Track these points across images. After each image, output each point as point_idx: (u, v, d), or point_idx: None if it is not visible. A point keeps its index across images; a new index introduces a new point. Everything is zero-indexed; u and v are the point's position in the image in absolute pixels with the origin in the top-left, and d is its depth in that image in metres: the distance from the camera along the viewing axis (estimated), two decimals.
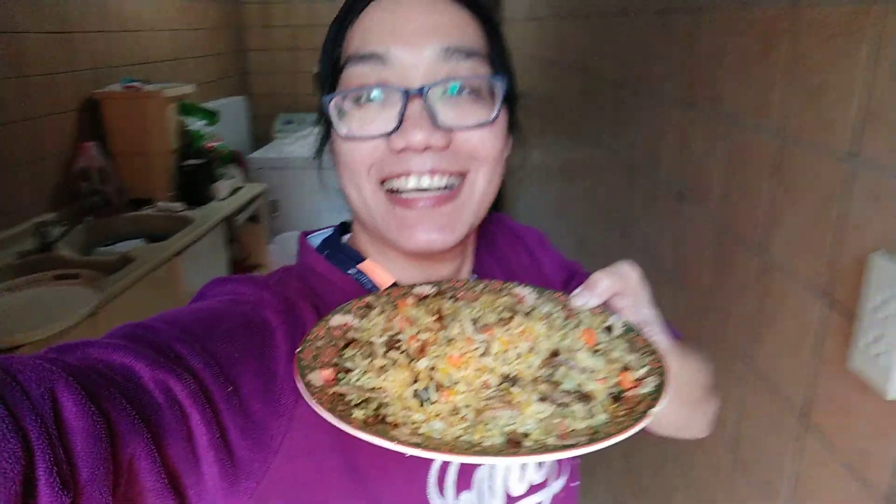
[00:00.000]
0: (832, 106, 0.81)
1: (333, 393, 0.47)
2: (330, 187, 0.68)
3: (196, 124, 3.17)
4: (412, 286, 0.65)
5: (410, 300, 0.60)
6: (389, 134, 0.57)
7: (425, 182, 0.58)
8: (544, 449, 0.42)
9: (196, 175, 3.03)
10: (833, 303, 0.81)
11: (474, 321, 0.55)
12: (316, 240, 0.71)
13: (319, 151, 0.69)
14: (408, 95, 0.56)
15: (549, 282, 0.81)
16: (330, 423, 0.54)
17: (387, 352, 0.52)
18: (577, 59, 2.06)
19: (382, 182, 0.60)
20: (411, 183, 0.58)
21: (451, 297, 0.62)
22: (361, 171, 0.59)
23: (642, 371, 0.52)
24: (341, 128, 0.59)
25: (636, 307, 0.59)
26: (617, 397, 0.49)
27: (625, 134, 1.63)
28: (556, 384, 0.50)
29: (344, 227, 0.74)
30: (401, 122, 0.56)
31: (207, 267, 2.71)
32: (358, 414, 0.45)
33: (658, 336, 0.59)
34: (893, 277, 0.69)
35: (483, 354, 0.51)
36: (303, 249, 0.68)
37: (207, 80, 4.13)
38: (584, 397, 0.48)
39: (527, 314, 0.57)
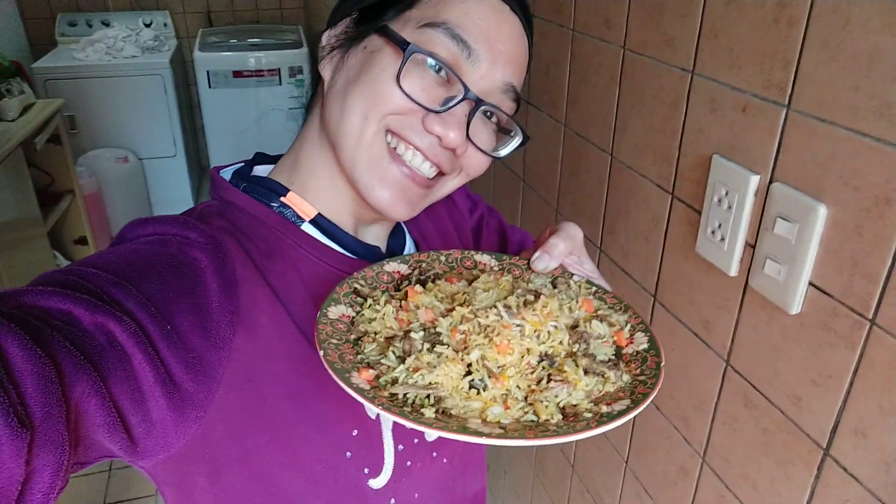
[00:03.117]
0: (673, 24, 0.91)
1: (390, 394, 0.50)
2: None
3: None
4: (382, 264, 0.67)
5: (418, 288, 0.62)
6: (431, 111, 0.61)
7: (423, 166, 0.63)
8: (609, 417, 0.47)
9: None
10: (680, 198, 0.94)
11: (507, 307, 0.58)
12: (227, 174, 0.70)
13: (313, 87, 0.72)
14: (466, 97, 0.61)
15: (461, 214, 0.87)
16: (266, 353, 0.58)
17: (431, 347, 0.54)
18: None
19: (387, 132, 0.62)
20: (409, 156, 0.63)
21: (424, 276, 0.66)
22: (382, 110, 0.61)
23: (628, 328, 0.60)
24: (397, 65, 0.60)
25: (581, 263, 0.68)
26: (618, 355, 0.57)
27: None
28: (593, 356, 0.56)
29: (255, 160, 0.73)
30: (446, 111, 0.61)
31: (7, 202, 2.41)
32: (428, 413, 0.48)
33: (605, 284, 0.68)
34: (730, 175, 0.82)
35: (520, 337, 0.55)
36: (218, 184, 0.67)
37: None
38: (615, 365, 0.55)
39: (537, 292, 0.62)
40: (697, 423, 0.96)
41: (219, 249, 0.59)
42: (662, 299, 1.01)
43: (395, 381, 0.52)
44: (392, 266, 0.68)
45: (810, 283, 0.73)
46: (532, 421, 0.49)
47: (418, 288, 0.62)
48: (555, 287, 0.65)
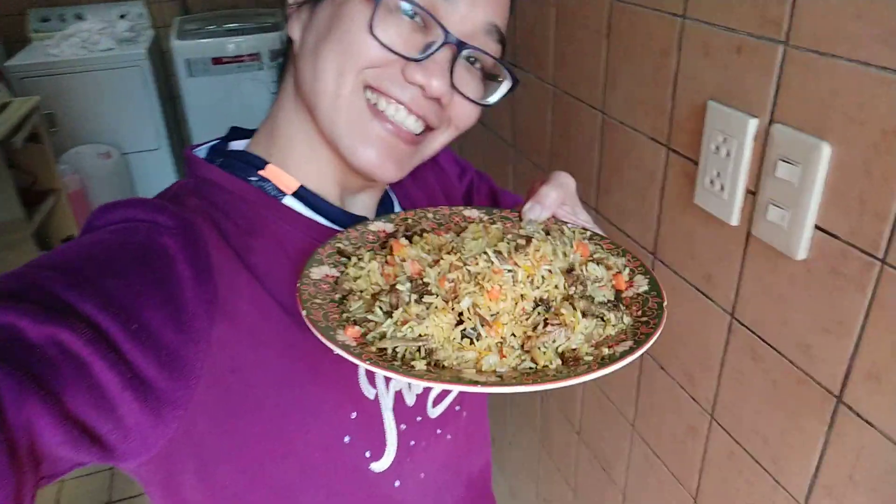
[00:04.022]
0: None
1: (378, 349, 0.47)
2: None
3: None
4: (366, 223, 0.64)
5: (403, 241, 0.59)
6: (410, 60, 0.57)
7: (408, 120, 0.60)
8: (611, 359, 0.45)
9: None
10: (676, 149, 0.91)
11: (497, 252, 0.55)
12: (201, 152, 0.66)
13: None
14: (447, 42, 0.57)
15: (450, 180, 0.84)
16: (249, 341, 0.54)
17: (419, 298, 0.51)
18: None
19: (365, 88, 0.59)
20: (392, 111, 0.59)
21: (410, 232, 0.63)
22: (357, 64, 0.57)
23: (627, 271, 0.57)
24: (368, 14, 0.56)
25: (574, 213, 0.65)
26: (618, 299, 0.54)
27: None
28: (591, 298, 0.53)
29: (231, 135, 0.69)
30: (426, 58, 0.57)
31: None
32: (419, 365, 0.45)
33: (601, 232, 0.65)
34: (727, 121, 0.79)
35: (513, 283, 0.52)
36: (193, 163, 0.63)
37: None
38: (615, 307, 0.52)
39: (528, 237, 0.59)
40: (704, 380, 0.94)
41: (191, 233, 0.55)
42: (662, 256, 0.98)
43: (383, 336, 0.49)
44: (377, 225, 0.64)
45: (816, 227, 0.70)
46: (530, 368, 0.47)
47: (403, 241, 0.59)
48: (548, 235, 0.62)
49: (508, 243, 0.56)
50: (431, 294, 0.51)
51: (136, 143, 3.86)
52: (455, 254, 0.55)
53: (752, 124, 0.76)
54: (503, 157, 1.51)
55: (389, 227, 0.65)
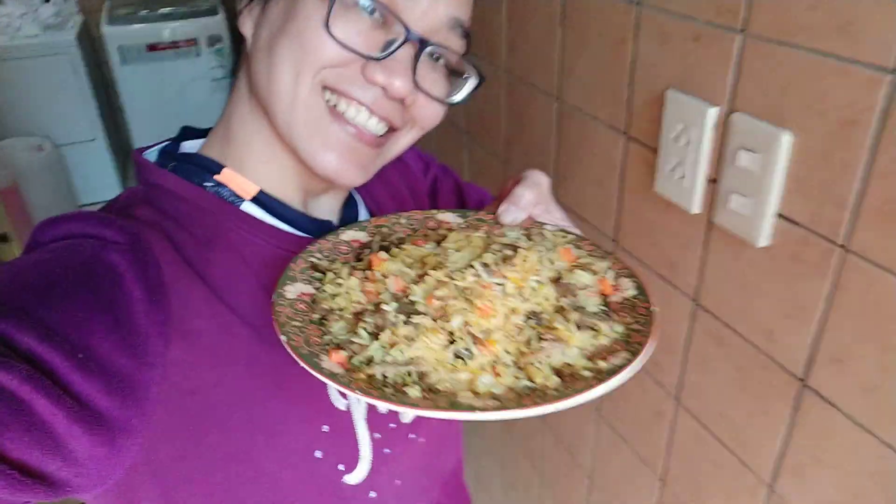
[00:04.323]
0: None
1: (367, 376, 0.45)
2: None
3: None
4: (338, 233, 0.61)
5: (382, 255, 0.56)
6: (370, 59, 0.54)
7: (370, 122, 0.57)
8: (610, 372, 0.43)
9: None
10: (634, 137, 0.90)
11: (485, 265, 0.52)
12: (152, 155, 0.62)
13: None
14: (408, 39, 0.54)
15: (414, 176, 0.81)
16: (208, 361, 0.52)
17: (406, 319, 0.49)
18: None
19: (324, 88, 0.56)
20: (353, 113, 0.56)
21: (387, 242, 0.60)
22: (314, 64, 0.54)
23: (611, 274, 0.56)
24: (324, 10, 0.53)
25: (549, 212, 0.63)
26: (605, 305, 0.53)
27: None
28: (583, 309, 0.51)
29: (182, 136, 0.65)
30: (387, 57, 0.54)
31: None
32: (413, 392, 0.42)
33: (578, 232, 0.63)
34: (686, 110, 0.79)
35: (503, 297, 0.50)
36: (143, 168, 0.60)
37: None
38: (606, 315, 0.51)
39: (514, 245, 0.56)
40: (669, 365, 0.95)
41: (140, 249, 0.52)
42: (624, 243, 0.98)
43: (370, 361, 0.46)
44: (350, 234, 0.61)
45: (778, 215, 0.71)
46: (527, 387, 0.45)
47: (382, 255, 0.56)
48: (530, 239, 0.60)
49: (495, 254, 0.54)
50: (419, 313, 0.49)
51: (71, 134, 3.68)
52: (440, 268, 0.52)
53: (712, 113, 0.75)
54: (457, 144, 1.49)
55: (363, 236, 0.62)
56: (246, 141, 0.61)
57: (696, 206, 0.81)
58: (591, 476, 1.25)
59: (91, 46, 3.92)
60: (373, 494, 0.63)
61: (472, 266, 0.52)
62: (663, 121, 0.83)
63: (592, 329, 0.49)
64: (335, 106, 0.56)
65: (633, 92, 0.89)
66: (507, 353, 0.48)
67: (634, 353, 0.45)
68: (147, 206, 0.56)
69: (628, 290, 0.54)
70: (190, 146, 0.64)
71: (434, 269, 0.53)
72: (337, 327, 0.50)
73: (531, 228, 0.62)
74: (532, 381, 0.45)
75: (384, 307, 0.50)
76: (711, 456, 0.90)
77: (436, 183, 0.86)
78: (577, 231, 0.64)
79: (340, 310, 0.52)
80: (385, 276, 0.53)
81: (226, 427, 0.53)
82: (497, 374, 0.46)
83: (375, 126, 0.58)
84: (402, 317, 0.49)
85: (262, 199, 0.61)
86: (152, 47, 3.66)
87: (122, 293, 0.49)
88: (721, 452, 0.88)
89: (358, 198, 0.74)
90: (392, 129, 0.60)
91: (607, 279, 0.56)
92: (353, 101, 0.56)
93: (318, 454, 0.58)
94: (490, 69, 1.25)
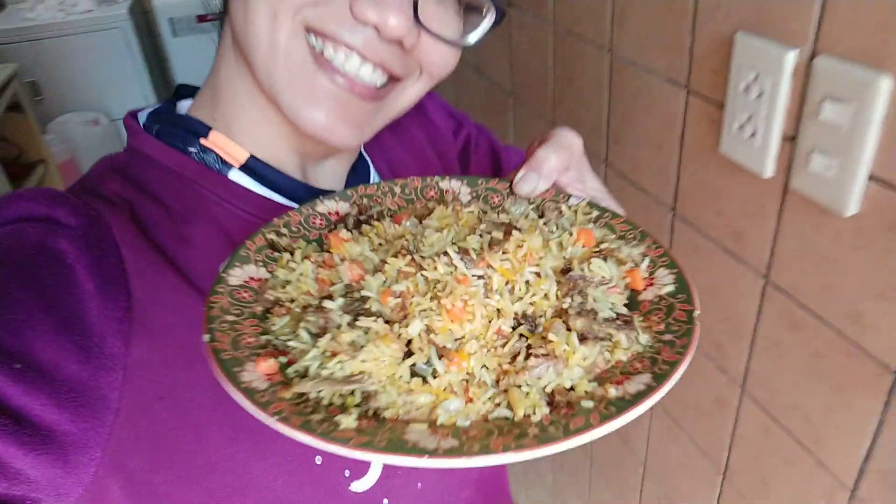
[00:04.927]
0: None
1: (295, 395, 0.34)
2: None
3: None
4: (314, 203, 0.51)
5: (344, 233, 0.46)
6: None
7: (363, 70, 0.48)
8: (619, 407, 0.32)
9: None
10: (697, 90, 0.79)
11: (462, 251, 0.41)
12: (144, 116, 0.55)
13: None
14: None
15: (443, 137, 0.72)
16: (179, 360, 0.44)
17: (354, 319, 0.38)
18: None
19: (307, 31, 0.47)
20: (342, 60, 0.47)
21: (365, 216, 0.50)
22: (292, 1, 0.46)
23: (646, 263, 0.44)
24: None
25: (582, 180, 0.52)
26: (633, 304, 0.42)
27: None
28: (593, 313, 0.39)
29: (179, 94, 0.58)
30: None
31: None
32: (347, 422, 0.32)
33: (617, 209, 0.52)
34: (759, 55, 0.67)
35: (485, 295, 0.39)
36: (129, 131, 0.53)
37: None
38: (627, 322, 0.39)
39: (514, 226, 0.45)
40: (733, 349, 0.84)
41: (96, 232, 0.45)
42: (683, 213, 0.88)
43: (305, 374, 0.37)
44: (328, 205, 0.52)
45: (870, 177, 0.60)
46: (505, 418, 0.34)
47: (345, 233, 0.46)
48: (542, 216, 0.50)
49: (481, 236, 0.43)
50: (371, 314, 0.39)
51: (125, 108, 3.68)
52: (405, 254, 0.41)
53: (791, 57, 0.64)
54: (501, 108, 1.39)
55: (344, 208, 0.52)
56: (233, 99, 0.53)
57: (769, 169, 0.70)
58: (646, 464, 1.16)
59: (143, 20, 3.94)
60: (386, 502, 0.56)
61: (446, 252, 0.41)
62: (731, 70, 0.71)
63: (607, 339, 0.38)
64: (321, 52, 0.48)
65: (696, 38, 0.77)
66: (486, 368, 0.37)
67: (660, 378, 0.34)
68: (120, 177, 0.49)
69: (666, 285, 0.42)
70: (184, 106, 0.57)
71: (400, 254, 0.42)
72: (280, 324, 0.40)
73: (549, 201, 0.51)
74: (513, 410, 0.34)
75: (327, 303, 0.40)
76: (782, 452, 0.80)
77: (468, 145, 0.76)
78: (614, 205, 0.53)
79: (291, 301, 0.42)
80: (343, 261, 0.43)
81: (204, 433, 0.46)
82: (470, 399, 0.35)
83: (370, 75, 0.49)
84: (348, 317, 0.39)
85: (252, 167, 0.53)
86: (202, 18, 3.64)
87: (72, 287, 0.42)
88: (793, 449, 0.78)
89: (369, 161, 0.65)
90: (394, 79, 0.51)
91: (639, 270, 0.44)
92: (341, 44, 0.47)
93: (318, 460, 0.50)
94: (534, 22, 1.14)
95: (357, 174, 0.62)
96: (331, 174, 0.59)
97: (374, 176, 0.64)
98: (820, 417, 0.73)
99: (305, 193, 0.54)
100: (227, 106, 0.53)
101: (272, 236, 0.46)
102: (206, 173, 0.51)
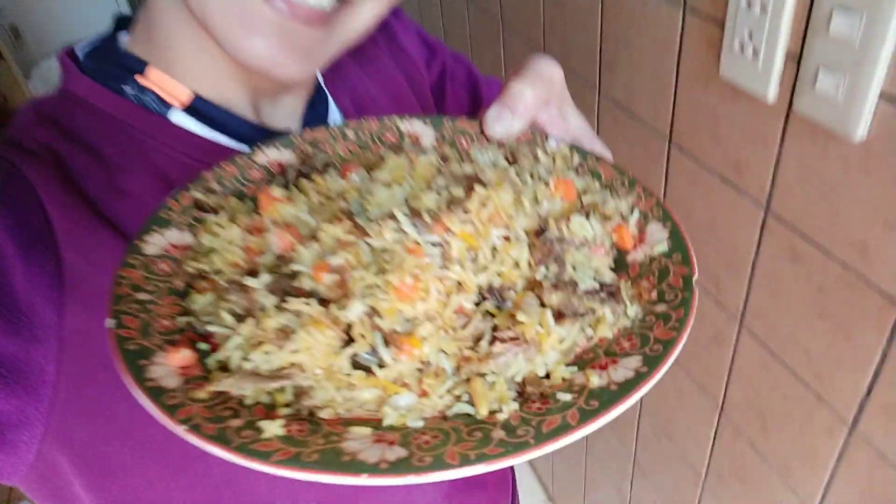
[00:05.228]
0: None
1: (212, 394, 0.29)
2: None
3: None
4: (253, 152, 0.44)
5: (275, 191, 0.38)
6: None
7: None
8: (604, 401, 0.27)
9: None
10: (695, 7, 0.73)
11: (413, 212, 0.34)
12: (82, 51, 0.50)
13: None
14: None
15: (416, 67, 0.66)
16: None
17: (282, 300, 0.32)
18: None
19: None
20: None
21: (307, 168, 0.43)
22: None
23: (635, 217, 0.38)
24: None
25: (564, 118, 0.46)
26: (620, 266, 0.36)
27: None
28: (572, 285, 0.33)
29: (118, 25, 0.52)
30: None
31: None
32: (272, 429, 0.27)
33: (603, 152, 0.46)
34: None
35: (442, 266, 0.33)
36: (63, 69, 0.48)
37: None
38: (613, 294, 0.33)
39: (478, 179, 0.38)
40: (731, 283, 0.81)
41: (13, 190, 0.40)
42: (680, 141, 0.83)
43: (225, 367, 0.31)
44: (269, 154, 0.45)
45: (881, 96, 0.55)
46: (466, 416, 0.29)
47: (277, 191, 0.39)
48: (513, 164, 0.43)
49: (439, 193, 0.36)
50: (304, 293, 0.33)
51: None
52: (343, 218, 0.35)
53: None
54: (491, 35, 1.32)
55: (288, 157, 0.45)
56: (168, 28, 0.47)
57: (771, 92, 0.65)
58: (642, 400, 1.15)
59: None
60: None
61: (393, 215, 0.34)
62: None
63: (589, 313, 0.33)
64: None
65: None
66: (445, 354, 0.31)
67: (653, 361, 0.28)
68: (48, 125, 0.44)
69: (659, 243, 0.36)
70: (125, 40, 0.52)
71: (334, 219, 0.35)
72: (202, 302, 0.34)
73: (522, 145, 0.45)
74: (475, 405, 0.29)
75: (248, 281, 0.33)
76: (781, 388, 0.78)
77: (443, 76, 0.69)
78: (600, 147, 0.46)
79: (217, 273, 0.36)
80: (275, 226, 0.37)
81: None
82: (424, 392, 0.30)
83: None
84: (275, 298, 0.32)
85: (196, 106, 0.48)
86: None
87: None
88: (792, 384, 0.76)
89: (329, 96, 0.58)
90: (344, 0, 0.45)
91: (627, 226, 0.38)
92: None
93: None
94: None
95: (315, 112, 0.56)
96: (289, 110, 0.54)
97: (334, 114, 0.58)
98: (820, 352, 0.70)
99: (256, 135, 0.49)
100: (162, 37, 0.47)
101: (198, 194, 0.40)
102: (144, 115, 0.46)
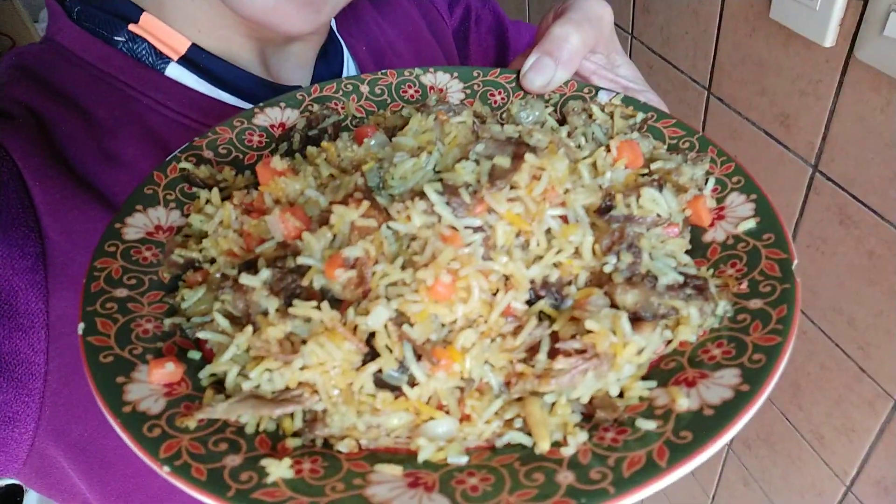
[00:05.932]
0: None
1: (201, 423, 0.23)
2: None
3: None
4: (252, 112, 0.38)
5: (277, 162, 0.31)
6: None
7: None
8: (699, 430, 0.21)
9: None
10: None
11: (445, 188, 0.27)
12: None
13: None
14: None
15: (437, 11, 0.59)
16: None
17: (287, 303, 0.25)
18: None
19: None
20: None
21: (318, 130, 0.37)
22: None
23: (710, 184, 0.31)
24: None
25: (612, 66, 0.40)
26: (697, 250, 0.29)
27: None
28: (652, 279, 0.26)
29: None
30: None
31: None
32: (278, 471, 0.21)
33: (660, 105, 0.40)
34: None
35: (485, 256, 0.26)
36: (50, 14, 0.43)
37: None
38: (701, 289, 0.26)
39: (521, 142, 0.30)
40: None
41: None
42: (720, 92, 0.77)
43: (221, 382, 0.26)
44: (271, 114, 0.39)
45: None
46: (521, 447, 0.23)
47: (277, 162, 0.32)
48: (563, 123, 0.36)
49: (478, 162, 0.29)
50: (313, 293, 0.26)
51: None
52: (363, 196, 0.27)
53: None
54: None
55: (292, 117, 0.39)
56: None
57: (830, 36, 0.59)
58: None
59: None
60: None
61: (423, 192, 0.27)
62: None
63: (672, 313, 0.26)
64: None
65: None
66: (490, 366, 0.25)
67: (756, 374, 0.22)
68: (29, 81, 0.40)
69: (745, 220, 0.29)
70: None
71: (349, 197, 0.28)
72: (192, 299, 0.28)
73: (570, 99, 0.38)
74: (532, 434, 0.23)
75: (245, 279, 0.27)
76: (819, 357, 0.73)
77: (467, 20, 0.62)
78: (656, 99, 0.40)
79: (211, 263, 0.30)
80: (279, 202, 0.30)
81: None
82: (466, 417, 0.24)
83: None
84: (278, 300, 0.26)
85: (194, 58, 0.42)
86: None
87: None
88: (833, 354, 0.71)
89: (343, 46, 0.52)
90: None
91: (704, 198, 0.31)
92: None
93: None
94: None
95: (328, 62, 0.50)
96: (295, 63, 0.48)
97: (348, 64, 0.52)
98: (867, 322, 0.65)
99: (263, 91, 0.44)
100: None
101: (187, 165, 0.34)
102: (137, 69, 0.41)
